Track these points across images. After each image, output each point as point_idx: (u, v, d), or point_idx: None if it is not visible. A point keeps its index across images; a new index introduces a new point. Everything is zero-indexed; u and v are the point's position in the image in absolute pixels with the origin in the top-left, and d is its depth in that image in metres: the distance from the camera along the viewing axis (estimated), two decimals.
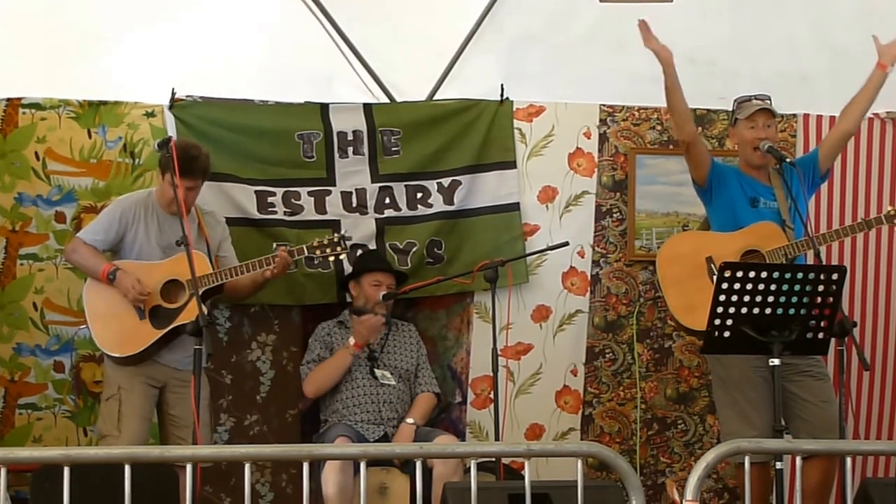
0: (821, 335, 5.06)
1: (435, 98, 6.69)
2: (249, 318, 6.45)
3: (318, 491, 5.75)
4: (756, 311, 4.95)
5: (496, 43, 6.61)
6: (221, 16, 6.30)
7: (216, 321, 6.32)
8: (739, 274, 4.93)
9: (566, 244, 6.35)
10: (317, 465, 5.71)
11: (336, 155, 6.51)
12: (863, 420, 6.69)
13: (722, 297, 4.95)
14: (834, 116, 6.09)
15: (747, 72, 6.47)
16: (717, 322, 4.98)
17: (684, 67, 5.90)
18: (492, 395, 5.93)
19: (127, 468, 3.80)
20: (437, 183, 6.58)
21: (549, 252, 6.44)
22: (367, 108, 6.55)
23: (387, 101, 6.65)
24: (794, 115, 6.71)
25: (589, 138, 6.69)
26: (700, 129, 6.63)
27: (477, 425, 6.54)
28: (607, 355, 6.65)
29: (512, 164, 6.61)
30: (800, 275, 4.95)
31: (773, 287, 4.93)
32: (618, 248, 6.67)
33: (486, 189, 6.60)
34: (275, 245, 6.32)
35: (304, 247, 5.89)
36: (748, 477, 4.20)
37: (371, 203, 6.52)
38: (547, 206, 6.64)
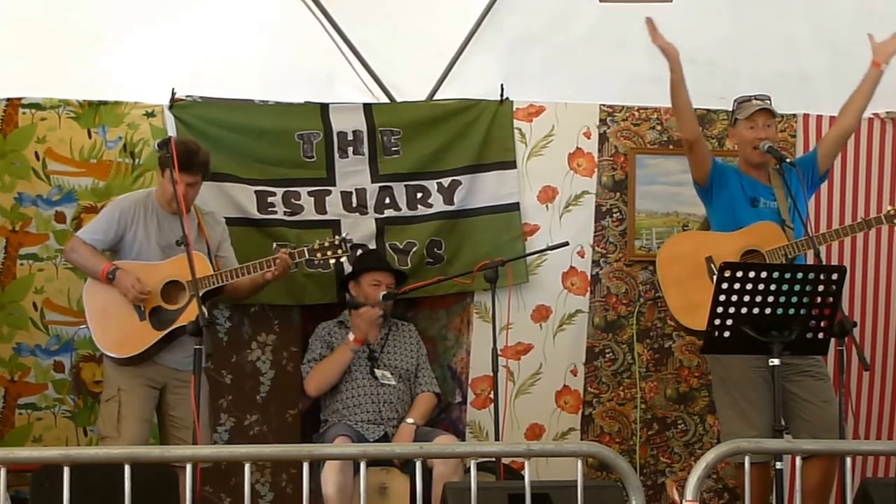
0: (821, 335, 5.06)
1: (435, 98, 6.69)
2: (249, 318, 6.45)
3: (318, 491, 5.75)
4: (756, 311, 4.95)
5: (496, 43, 6.61)
6: (221, 16, 6.30)
7: (216, 321, 6.33)
8: (739, 274, 4.93)
9: (566, 244, 6.35)
10: (317, 465, 5.71)
11: (336, 155, 6.51)
12: (863, 420, 6.69)
13: (722, 297, 4.95)
14: (834, 116, 6.09)
15: (747, 72, 6.48)
16: (717, 322, 4.98)
17: (684, 67, 5.89)
18: (492, 395, 5.93)
19: (127, 468, 3.80)
20: (437, 183, 6.58)
21: (549, 252, 6.44)
22: (367, 108, 6.55)
23: (387, 101, 6.65)
24: (794, 115, 6.71)
25: (589, 138, 6.69)
26: (700, 129, 6.63)
27: (477, 425, 6.54)
28: (607, 355, 6.65)
29: (512, 164, 6.61)
30: (800, 275, 4.95)
31: (773, 287, 4.93)
32: (618, 248, 6.67)
33: (486, 189, 6.60)
34: (275, 245, 6.33)
35: (305, 249, 5.89)
36: (748, 477, 4.20)
37: (371, 203, 6.52)
38: (547, 206, 6.64)
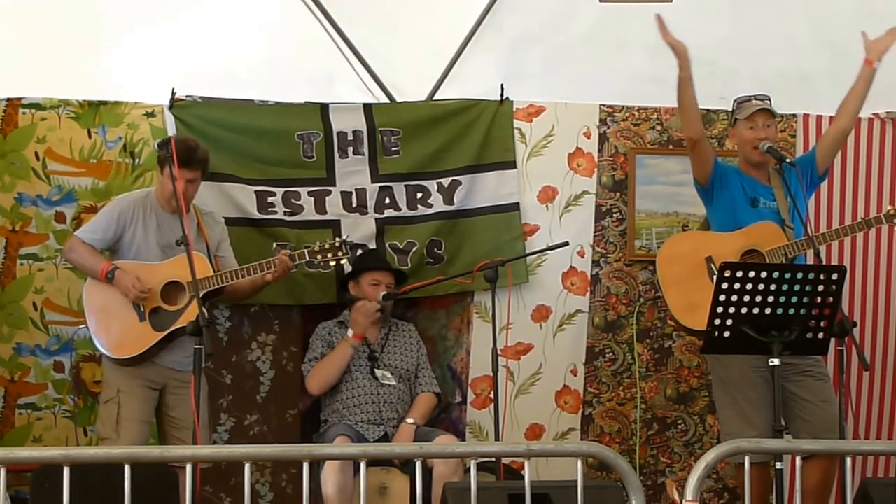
0: (821, 335, 5.06)
1: (435, 98, 6.69)
2: (249, 318, 6.45)
3: (318, 491, 5.75)
4: (756, 311, 4.95)
5: (496, 43, 6.61)
6: (221, 16, 6.30)
7: (216, 321, 6.33)
8: (739, 274, 4.93)
9: (566, 244, 6.35)
10: (317, 465, 5.70)
11: (336, 155, 6.51)
12: (863, 420, 6.69)
13: (722, 297, 4.95)
14: (834, 116, 6.09)
15: (747, 72, 6.47)
16: (717, 322, 4.98)
17: None
18: (492, 395, 5.93)
19: (127, 468, 3.80)
20: (437, 183, 6.58)
21: (549, 252, 6.44)
22: (367, 108, 6.55)
23: (387, 101, 6.65)
24: (794, 115, 6.71)
25: (589, 138, 6.69)
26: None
27: (477, 425, 6.54)
28: (607, 355, 6.65)
29: (512, 164, 6.61)
30: (800, 275, 4.95)
31: (773, 287, 4.93)
32: (618, 248, 6.67)
33: (486, 189, 6.60)
34: (275, 245, 6.33)
35: (306, 251, 5.88)
36: (748, 477, 4.20)
37: (371, 203, 6.52)
38: (547, 206, 6.64)
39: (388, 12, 6.46)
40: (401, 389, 6.23)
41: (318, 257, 5.89)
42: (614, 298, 6.66)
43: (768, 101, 5.82)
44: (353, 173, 6.52)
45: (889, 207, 5.87)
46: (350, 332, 6.17)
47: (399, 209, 6.55)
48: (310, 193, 6.48)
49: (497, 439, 5.84)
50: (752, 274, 4.92)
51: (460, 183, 6.57)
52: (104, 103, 6.31)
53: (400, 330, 6.40)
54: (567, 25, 6.50)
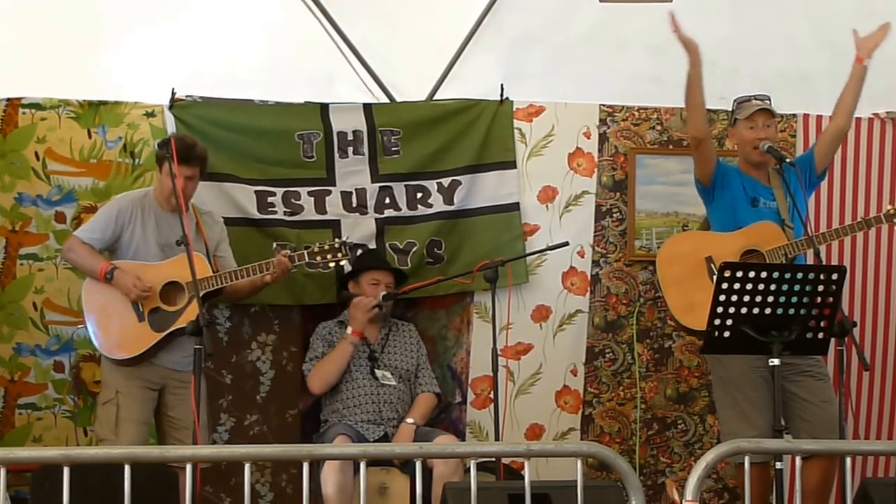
0: (821, 335, 5.05)
1: (435, 98, 6.69)
2: (249, 318, 6.45)
3: (318, 491, 5.75)
4: (756, 311, 4.94)
5: (496, 43, 6.61)
6: (221, 16, 6.30)
7: (216, 321, 6.33)
8: (739, 274, 4.92)
9: (566, 244, 6.35)
10: (317, 464, 5.70)
11: (336, 155, 6.51)
12: (863, 420, 6.69)
13: (722, 297, 4.95)
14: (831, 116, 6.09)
15: (747, 72, 6.47)
16: (717, 322, 4.98)
17: (684, 67, 5.89)
18: (492, 395, 5.93)
19: (127, 468, 3.79)
20: (437, 183, 6.58)
21: (549, 252, 6.44)
22: (367, 108, 6.55)
23: (387, 101, 6.65)
24: (794, 115, 6.71)
25: (589, 138, 6.69)
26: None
27: (477, 425, 6.54)
28: (607, 355, 6.65)
29: (512, 164, 6.61)
30: (800, 275, 4.94)
31: (773, 287, 4.92)
32: (618, 248, 6.67)
33: (486, 189, 6.60)
34: (275, 245, 6.33)
35: (305, 252, 5.88)
36: (748, 477, 4.20)
37: (371, 203, 6.52)
38: (547, 206, 6.64)
39: (388, 12, 6.46)
40: (401, 389, 6.23)
41: (318, 258, 5.89)
42: (614, 298, 6.66)
43: (768, 101, 5.82)
44: (353, 173, 6.52)
45: (889, 207, 5.87)
46: (349, 330, 6.17)
47: (399, 209, 6.55)
48: (310, 193, 6.48)
49: (497, 439, 5.84)
50: (752, 274, 4.92)
51: (460, 183, 6.57)
52: (104, 103, 6.31)
53: (400, 330, 6.40)
54: (567, 25, 6.50)
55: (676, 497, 6.37)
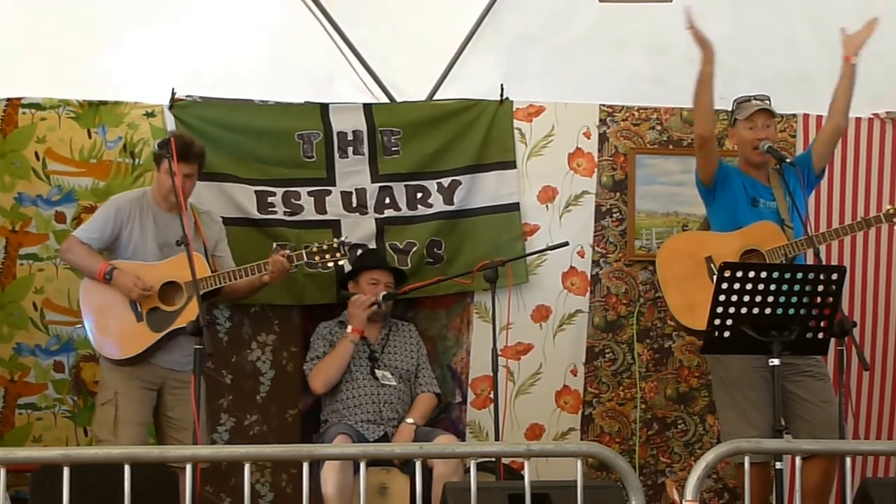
0: (821, 335, 5.05)
1: (435, 98, 6.69)
2: (249, 318, 6.45)
3: (318, 491, 5.75)
4: (756, 311, 4.94)
5: (496, 43, 6.61)
6: (221, 16, 6.30)
7: (216, 321, 6.33)
8: (739, 274, 4.92)
9: (566, 244, 6.35)
10: (317, 464, 5.71)
11: (336, 155, 6.51)
12: (863, 420, 6.69)
13: (722, 297, 4.95)
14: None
15: (747, 72, 6.47)
16: (717, 322, 4.98)
17: (684, 67, 5.89)
18: (492, 395, 5.93)
19: (127, 469, 3.79)
20: (437, 183, 6.58)
21: (549, 252, 6.44)
22: (367, 108, 6.55)
23: (387, 101, 6.65)
24: (794, 115, 6.71)
25: (589, 138, 6.69)
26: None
27: (477, 425, 6.54)
28: (607, 355, 6.65)
29: (512, 164, 6.61)
30: (800, 275, 4.94)
31: (773, 287, 4.92)
32: (618, 248, 6.67)
33: (486, 189, 6.60)
34: (275, 245, 6.33)
35: (304, 252, 5.89)
36: (748, 477, 4.20)
37: (371, 203, 6.52)
38: (547, 206, 6.64)
39: (388, 12, 6.46)
40: (401, 389, 6.23)
41: (317, 258, 5.89)
42: (614, 298, 6.66)
43: (768, 101, 5.82)
44: (353, 173, 6.52)
45: (889, 207, 5.87)
46: (349, 328, 6.17)
47: (399, 209, 6.55)
48: (310, 193, 6.48)
49: (497, 439, 5.84)
50: (751, 274, 4.92)
51: (460, 183, 6.57)
52: (104, 103, 6.31)
53: (400, 330, 6.40)
54: (567, 25, 6.50)
55: (676, 497, 6.37)
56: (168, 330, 5.66)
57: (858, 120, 6.69)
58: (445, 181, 6.57)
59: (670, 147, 6.69)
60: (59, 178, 6.26)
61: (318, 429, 6.25)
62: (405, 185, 6.56)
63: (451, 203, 6.57)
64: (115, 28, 6.15)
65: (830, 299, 4.97)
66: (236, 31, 6.32)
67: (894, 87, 6.50)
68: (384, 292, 6.23)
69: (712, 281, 5.47)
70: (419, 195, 6.57)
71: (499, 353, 5.81)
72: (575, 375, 6.62)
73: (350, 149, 6.52)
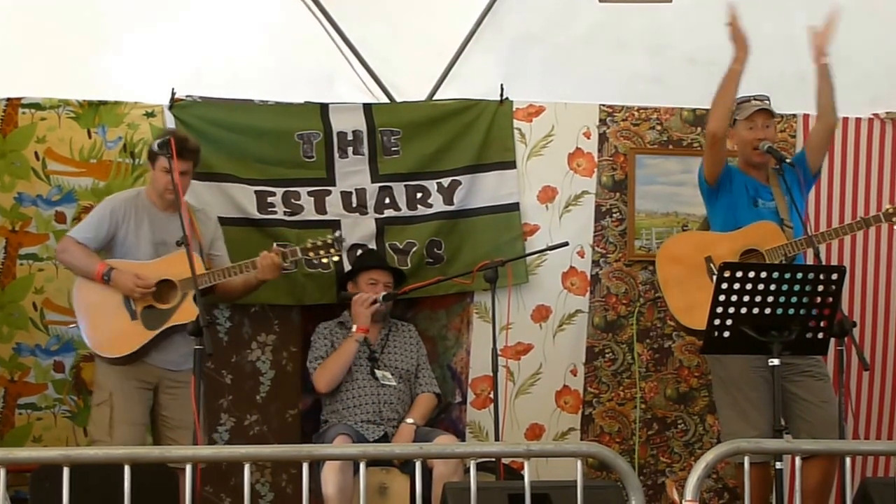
0: (820, 335, 5.05)
1: (435, 98, 6.69)
2: (249, 318, 6.45)
3: (317, 491, 5.75)
4: (756, 311, 4.94)
5: (496, 43, 6.61)
6: (221, 16, 6.30)
7: (216, 321, 6.33)
8: (739, 274, 4.92)
9: (566, 244, 6.35)
10: (317, 465, 5.70)
11: (336, 155, 6.51)
12: (863, 420, 6.69)
13: (721, 297, 4.95)
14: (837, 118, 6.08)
15: (747, 72, 6.45)
16: (717, 322, 4.98)
17: (684, 67, 5.91)
18: (492, 395, 5.93)
19: (126, 469, 3.80)
20: (437, 183, 6.58)
21: (548, 252, 6.44)
22: (367, 108, 6.55)
23: (387, 101, 6.65)
24: (794, 115, 6.71)
25: (589, 138, 6.69)
26: (700, 129, 6.65)
27: (477, 425, 6.54)
28: (607, 355, 6.65)
29: (512, 164, 6.61)
30: (799, 275, 4.94)
31: (772, 287, 4.92)
32: (617, 248, 6.67)
33: (486, 189, 6.60)
34: (275, 245, 6.32)
35: (298, 248, 5.88)
36: (748, 477, 4.20)
37: (371, 203, 6.52)
38: (547, 206, 6.64)
39: (388, 12, 6.46)
40: (401, 390, 6.23)
41: (311, 254, 5.87)
42: (614, 298, 6.66)
43: (768, 101, 5.82)
44: (352, 173, 6.52)
45: (888, 206, 5.86)
46: (354, 328, 6.16)
47: (399, 209, 6.55)
48: (310, 193, 6.48)
49: (497, 439, 5.84)
50: (751, 274, 4.92)
51: (460, 183, 6.57)
52: (104, 103, 6.31)
53: (400, 330, 6.40)
54: (567, 25, 6.50)
55: (676, 497, 6.37)
56: (163, 328, 5.65)
57: (858, 120, 6.69)
58: (445, 181, 6.57)
59: (670, 147, 6.69)
60: (59, 178, 6.25)
61: (318, 429, 6.25)
62: (405, 185, 6.56)
63: (451, 203, 6.57)
64: (115, 28, 6.15)
65: (830, 299, 4.98)
66: (236, 31, 6.32)
67: (894, 87, 6.49)
68: (383, 292, 6.22)
69: (712, 281, 5.47)
70: (419, 195, 6.57)
71: (499, 353, 5.80)
72: (575, 375, 6.62)
73: (350, 149, 6.52)
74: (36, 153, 6.23)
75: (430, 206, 6.57)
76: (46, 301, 6.23)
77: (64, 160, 6.26)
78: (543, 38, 6.55)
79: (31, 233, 6.24)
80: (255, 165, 6.44)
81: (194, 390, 5.03)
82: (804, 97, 6.55)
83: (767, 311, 4.94)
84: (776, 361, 4.99)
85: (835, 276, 4.97)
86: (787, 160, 5.75)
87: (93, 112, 6.30)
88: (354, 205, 6.51)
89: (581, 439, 6.55)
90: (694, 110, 6.68)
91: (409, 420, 6.13)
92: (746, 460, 4.18)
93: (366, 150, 6.52)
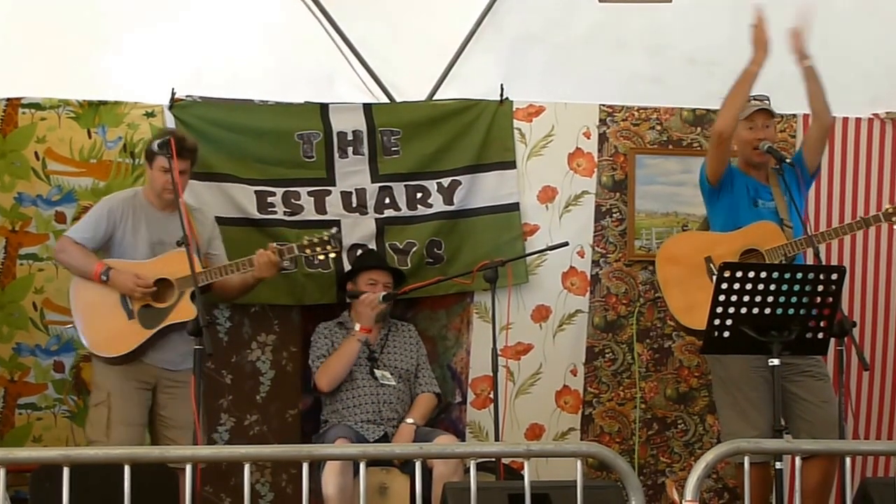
0: (820, 335, 5.06)
1: (435, 98, 6.69)
2: (249, 318, 6.45)
3: (318, 491, 5.75)
4: (756, 311, 4.95)
5: (496, 43, 6.61)
6: (221, 16, 6.30)
7: (216, 321, 6.33)
8: (739, 274, 4.93)
9: (566, 244, 6.34)
10: (317, 465, 5.70)
11: (336, 155, 6.51)
12: (862, 420, 6.69)
13: (721, 297, 4.95)
14: (835, 116, 6.08)
15: None
16: (717, 322, 4.98)
17: (684, 67, 5.90)
18: (492, 395, 5.93)
19: (126, 468, 3.80)
20: (437, 183, 6.58)
21: (548, 252, 6.44)
22: (367, 108, 6.55)
23: (387, 101, 6.65)
24: (794, 115, 6.71)
25: (588, 138, 6.69)
26: (699, 129, 6.65)
27: (477, 425, 6.54)
28: (607, 355, 6.65)
29: (512, 164, 6.61)
30: (799, 275, 4.95)
31: (772, 287, 4.92)
32: (617, 248, 6.67)
33: (486, 189, 6.60)
34: (272, 243, 6.32)
35: (294, 246, 5.87)
36: (748, 477, 4.20)
37: (371, 203, 6.52)
38: (547, 206, 6.64)
39: (388, 12, 6.46)
40: (400, 390, 6.23)
41: (308, 251, 5.86)
42: (614, 298, 6.66)
43: (767, 102, 5.82)
44: (352, 173, 6.52)
45: (888, 206, 5.86)
46: (357, 327, 6.16)
47: (399, 209, 6.55)
48: (310, 193, 6.48)
49: (497, 439, 5.83)
50: (751, 274, 4.92)
51: (460, 183, 6.57)
52: (104, 103, 6.31)
53: (399, 330, 6.40)
54: (567, 25, 6.50)
55: (676, 497, 6.37)
56: (160, 327, 5.64)
57: (858, 120, 6.69)
58: (445, 181, 6.58)
59: (670, 147, 6.69)
60: (59, 178, 6.25)
61: (318, 429, 6.25)
62: (405, 185, 6.56)
63: (451, 203, 6.57)
64: (115, 28, 6.15)
65: (830, 299, 4.98)
66: (236, 31, 6.32)
67: (894, 87, 6.49)
68: (383, 292, 6.22)
69: (712, 281, 5.47)
70: (419, 195, 6.57)
71: (499, 353, 5.80)
72: (575, 375, 6.62)
73: (350, 149, 6.52)
74: (36, 153, 6.24)
75: (430, 206, 6.57)
76: (46, 301, 6.23)
77: (64, 160, 6.27)
78: (543, 38, 6.55)
79: (31, 233, 6.24)
80: (255, 165, 6.44)
81: (194, 390, 5.03)
82: (804, 97, 6.57)
83: (767, 311, 4.95)
84: (776, 361, 4.99)
85: (835, 276, 4.97)
86: (787, 160, 5.75)
87: (93, 112, 6.30)
88: (354, 205, 6.52)
89: (581, 439, 6.55)
90: (694, 110, 6.68)
91: (409, 420, 6.13)
92: (746, 460, 4.18)
93: (366, 150, 6.52)
